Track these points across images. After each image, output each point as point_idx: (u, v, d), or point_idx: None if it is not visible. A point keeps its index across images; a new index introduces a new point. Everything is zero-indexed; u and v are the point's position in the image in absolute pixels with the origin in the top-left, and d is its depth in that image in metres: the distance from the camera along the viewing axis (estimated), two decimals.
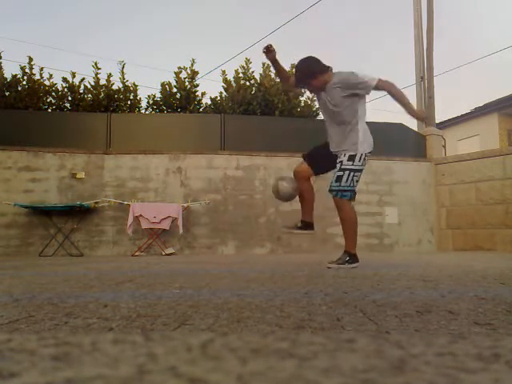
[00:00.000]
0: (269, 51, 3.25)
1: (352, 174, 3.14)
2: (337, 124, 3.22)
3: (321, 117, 3.54)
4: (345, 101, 3.12)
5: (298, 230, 3.48)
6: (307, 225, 3.46)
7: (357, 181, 3.18)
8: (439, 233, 7.18)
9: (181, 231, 5.94)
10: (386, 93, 3.14)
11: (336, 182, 3.16)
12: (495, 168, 6.54)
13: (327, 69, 3.14)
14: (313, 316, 1.22)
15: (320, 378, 0.44)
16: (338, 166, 3.18)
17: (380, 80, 3.05)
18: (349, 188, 3.15)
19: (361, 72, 3.08)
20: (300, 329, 1.06)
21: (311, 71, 3.12)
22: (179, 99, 7.80)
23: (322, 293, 1.72)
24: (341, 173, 3.15)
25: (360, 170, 3.18)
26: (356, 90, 3.09)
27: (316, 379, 0.43)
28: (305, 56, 3.22)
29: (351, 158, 3.14)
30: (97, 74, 7.67)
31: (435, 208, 7.21)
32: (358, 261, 3.17)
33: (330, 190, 3.21)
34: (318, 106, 7.34)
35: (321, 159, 3.38)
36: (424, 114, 3.15)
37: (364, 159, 3.18)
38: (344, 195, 3.15)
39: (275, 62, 3.36)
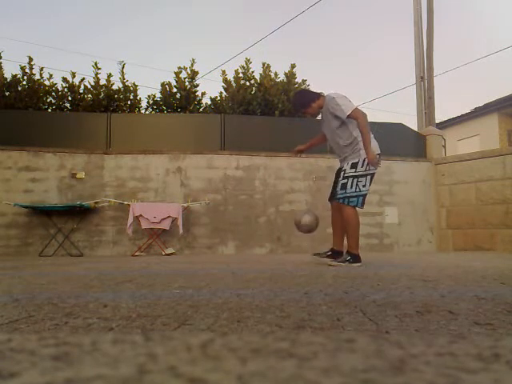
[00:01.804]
0: (298, 152, 3.77)
1: (356, 180, 3.29)
2: (335, 138, 3.41)
3: (320, 117, 3.63)
4: (335, 120, 3.34)
5: (325, 257, 3.56)
6: (336, 253, 3.54)
7: (363, 185, 3.30)
8: (439, 233, 7.18)
9: (181, 231, 5.94)
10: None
11: (341, 189, 3.33)
12: (495, 168, 6.53)
13: (318, 95, 3.47)
14: (313, 316, 1.22)
15: (320, 378, 0.44)
16: (342, 174, 3.35)
17: (355, 109, 3.24)
18: (355, 194, 3.29)
19: (342, 98, 3.30)
20: (300, 329, 1.06)
21: (303, 102, 3.51)
22: (179, 99, 7.80)
23: (322, 293, 1.72)
24: (345, 180, 3.32)
25: (364, 175, 3.30)
26: (336, 113, 3.29)
27: (316, 379, 0.43)
28: (297, 91, 3.63)
29: (354, 166, 3.30)
30: (97, 74, 7.66)
31: (435, 208, 7.21)
32: (360, 261, 3.30)
33: (337, 198, 3.35)
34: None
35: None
36: (376, 160, 3.28)
37: (367, 164, 3.27)
38: (351, 201, 3.30)
39: (309, 147, 3.80)
